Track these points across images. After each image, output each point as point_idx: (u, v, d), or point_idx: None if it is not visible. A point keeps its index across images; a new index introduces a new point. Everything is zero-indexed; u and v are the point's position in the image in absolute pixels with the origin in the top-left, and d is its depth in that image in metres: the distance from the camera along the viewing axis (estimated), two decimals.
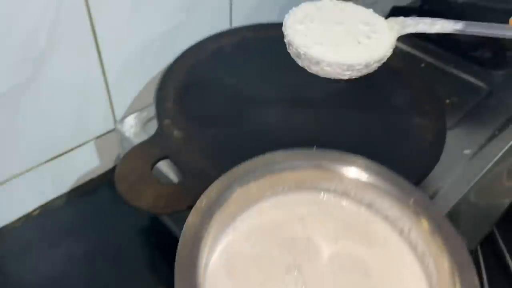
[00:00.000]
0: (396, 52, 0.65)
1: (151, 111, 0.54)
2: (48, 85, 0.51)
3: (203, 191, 0.41)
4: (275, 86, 0.55)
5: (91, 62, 0.53)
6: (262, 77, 0.56)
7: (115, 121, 0.60)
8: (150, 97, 0.54)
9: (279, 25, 0.63)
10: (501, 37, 0.41)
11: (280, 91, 0.55)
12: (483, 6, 0.57)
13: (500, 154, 0.53)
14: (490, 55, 0.65)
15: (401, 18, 0.39)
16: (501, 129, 0.56)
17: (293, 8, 0.41)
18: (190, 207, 0.40)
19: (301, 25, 0.38)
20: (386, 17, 0.73)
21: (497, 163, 0.53)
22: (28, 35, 0.46)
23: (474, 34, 0.40)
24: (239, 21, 0.67)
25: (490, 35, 0.41)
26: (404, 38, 0.70)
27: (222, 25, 0.66)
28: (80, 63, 0.52)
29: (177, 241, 0.54)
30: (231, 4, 0.65)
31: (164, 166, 0.48)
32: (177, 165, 0.44)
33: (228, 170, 0.44)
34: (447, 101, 0.60)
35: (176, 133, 0.47)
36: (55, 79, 0.51)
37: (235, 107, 0.53)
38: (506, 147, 0.54)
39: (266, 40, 0.61)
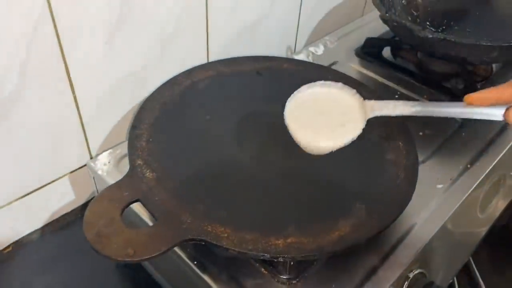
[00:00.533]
0: (369, 84, 0.67)
1: (126, 147, 0.54)
2: (20, 124, 0.50)
3: (175, 237, 0.40)
4: (250, 124, 0.55)
5: (65, 100, 0.53)
6: (237, 114, 0.56)
7: (90, 155, 0.59)
8: (126, 133, 0.54)
9: (255, 58, 0.64)
10: (457, 116, 0.45)
11: (255, 129, 0.55)
12: (452, 41, 0.58)
13: (473, 188, 0.54)
14: (462, 86, 0.66)
15: (371, 103, 0.47)
16: (473, 162, 0.57)
17: (294, 92, 0.48)
18: (161, 254, 0.40)
19: (297, 111, 0.47)
20: (362, 47, 0.75)
21: (470, 197, 0.54)
22: None
23: (432, 115, 0.46)
24: (216, 54, 0.67)
25: (445, 115, 0.46)
26: (378, 69, 0.72)
27: (199, 59, 0.66)
28: (54, 101, 0.52)
29: (152, 279, 0.54)
30: (207, 38, 0.65)
31: (139, 207, 0.47)
32: (148, 209, 0.43)
33: (201, 213, 0.43)
34: (421, 133, 0.60)
35: (149, 174, 0.46)
36: (28, 117, 0.50)
37: (209, 145, 0.52)
38: (478, 181, 0.55)
39: (241, 74, 0.61)
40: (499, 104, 0.41)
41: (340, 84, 0.49)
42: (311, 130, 0.46)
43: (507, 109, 0.40)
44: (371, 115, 0.47)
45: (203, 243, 0.41)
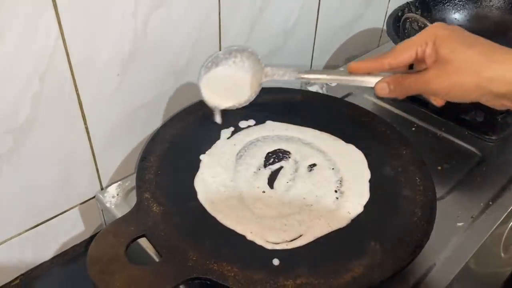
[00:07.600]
0: (385, 115, 0.66)
1: (135, 179, 0.53)
2: (32, 154, 0.50)
3: (180, 275, 0.39)
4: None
5: (77, 131, 0.53)
6: None
7: (101, 186, 0.59)
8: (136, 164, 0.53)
9: (268, 90, 0.62)
10: (340, 83, 0.50)
11: (266, 161, 0.54)
12: None
13: (495, 226, 0.51)
14: (482, 119, 0.64)
15: (266, 69, 0.53)
16: (495, 198, 0.55)
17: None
18: None
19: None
20: None
21: (492, 235, 0.51)
22: (10, 107, 0.46)
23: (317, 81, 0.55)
24: None
25: (329, 82, 0.55)
26: (394, 100, 0.70)
27: None
28: (66, 132, 0.52)
29: None
30: None
31: (145, 241, 0.46)
32: (154, 244, 0.42)
33: (207, 250, 0.42)
34: (439, 167, 0.58)
35: (155, 207, 0.45)
36: (40, 148, 0.50)
37: None
38: (501, 219, 0.52)
39: (254, 106, 0.60)
40: (375, 73, 0.46)
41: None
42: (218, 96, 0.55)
43: (378, 81, 0.46)
44: (264, 80, 0.53)
45: (208, 282, 0.39)
